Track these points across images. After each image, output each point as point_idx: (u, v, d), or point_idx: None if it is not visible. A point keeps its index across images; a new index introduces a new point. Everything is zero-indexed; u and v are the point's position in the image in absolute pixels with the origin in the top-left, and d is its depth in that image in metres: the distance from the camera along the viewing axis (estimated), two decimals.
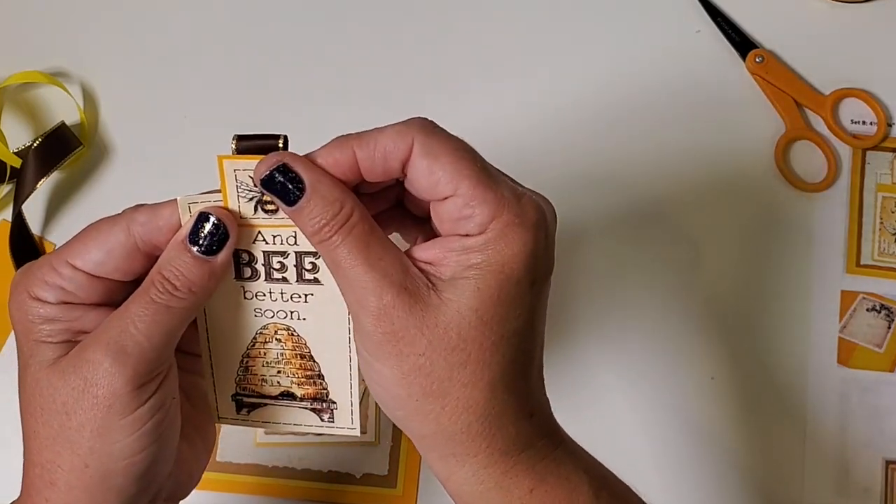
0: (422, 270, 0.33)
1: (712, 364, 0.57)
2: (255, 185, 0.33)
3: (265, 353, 0.38)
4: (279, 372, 0.38)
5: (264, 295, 0.36)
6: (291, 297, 0.36)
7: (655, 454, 0.56)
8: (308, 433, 0.39)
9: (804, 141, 0.60)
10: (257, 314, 0.37)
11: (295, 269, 0.35)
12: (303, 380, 0.38)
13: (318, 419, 0.39)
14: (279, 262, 0.35)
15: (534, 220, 0.32)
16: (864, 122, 0.60)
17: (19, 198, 0.58)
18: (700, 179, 0.60)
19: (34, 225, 0.59)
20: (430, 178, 0.32)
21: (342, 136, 0.33)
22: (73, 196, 0.60)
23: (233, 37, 0.63)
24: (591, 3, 0.63)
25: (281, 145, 0.34)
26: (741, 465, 0.56)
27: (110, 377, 0.33)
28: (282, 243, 0.35)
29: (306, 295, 0.36)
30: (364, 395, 0.54)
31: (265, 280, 0.36)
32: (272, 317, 0.37)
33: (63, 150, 0.59)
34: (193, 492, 0.56)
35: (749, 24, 0.62)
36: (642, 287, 0.58)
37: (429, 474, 0.56)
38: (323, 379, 0.38)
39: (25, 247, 0.58)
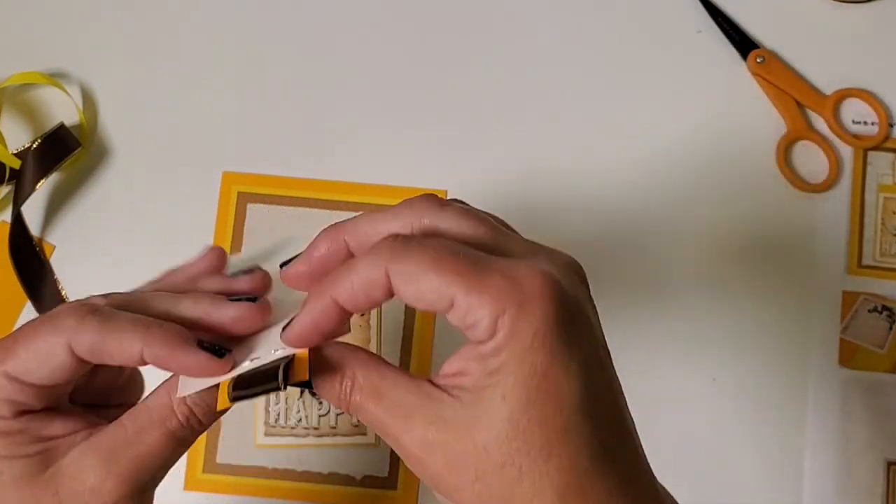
0: (446, 386, 0.30)
1: (714, 365, 0.57)
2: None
3: None
4: None
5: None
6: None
7: (656, 454, 0.56)
8: None
9: (805, 141, 0.60)
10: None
11: None
12: None
13: None
14: None
15: (541, 295, 0.29)
16: (865, 123, 0.60)
17: (18, 199, 0.58)
18: (701, 180, 0.60)
19: (33, 226, 0.59)
20: (420, 301, 0.30)
21: (316, 286, 0.31)
22: (72, 197, 0.60)
23: (233, 37, 0.63)
24: (591, 3, 0.63)
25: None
26: (742, 466, 0.55)
27: (109, 500, 0.32)
28: None
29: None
30: None
31: None
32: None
33: (62, 151, 0.59)
34: (194, 493, 0.56)
35: (750, 24, 0.62)
36: (642, 288, 0.58)
37: None
38: None
39: (25, 248, 0.58)
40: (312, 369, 0.31)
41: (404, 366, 0.57)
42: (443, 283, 0.29)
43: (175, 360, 0.32)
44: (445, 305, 0.29)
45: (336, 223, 0.32)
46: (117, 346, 0.32)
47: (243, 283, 0.37)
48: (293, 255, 0.34)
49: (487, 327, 0.29)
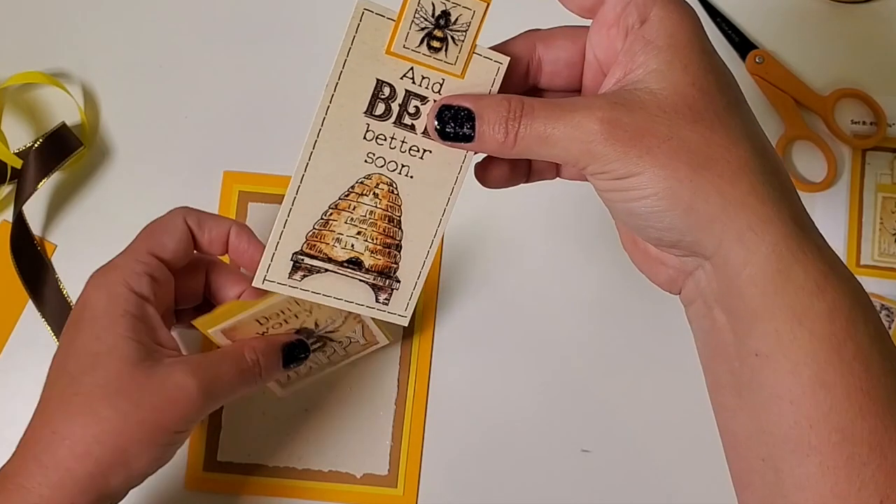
0: (617, 89, 0.33)
1: None
2: (433, 18, 0.33)
3: (354, 208, 0.35)
4: (359, 233, 0.36)
5: (385, 139, 0.34)
6: (409, 150, 0.35)
7: (657, 454, 0.56)
8: (357, 312, 0.37)
9: (804, 141, 0.60)
10: (368, 160, 0.35)
11: (426, 118, 0.34)
12: (379, 247, 0.36)
13: (374, 298, 0.37)
14: (416, 105, 0.34)
15: None
16: (863, 123, 0.60)
17: (20, 198, 0.58)
18: None
19: (35, 226, 0.59)
20: None
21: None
22: (73, 197, 0.60)
23: (232, 37, 0.63)
24: None
25: None
26: None
27: (192, 405, 0.41)
28: (427, 87, 0.34)
29: (424, 151, 0.35)
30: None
31: (394, 123, 0.34)
32: (382, 166, 0.35)
33: (64, 150, 0.59)
34: (192, 492, 0.56)
35: (749, 24, 0.62)
36: (641, 287, 0.58)
37: (429, 474, 0.56)
38: (399, 251, 0.36)
39: (26, 248, 0.58)
40: (477, 106, 0.33)
41: (405, 357, 0.57)
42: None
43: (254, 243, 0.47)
44: None
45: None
46: (215, 221, 0.46)
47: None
48: None
49: (643, 3, 0.32)
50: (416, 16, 0.33)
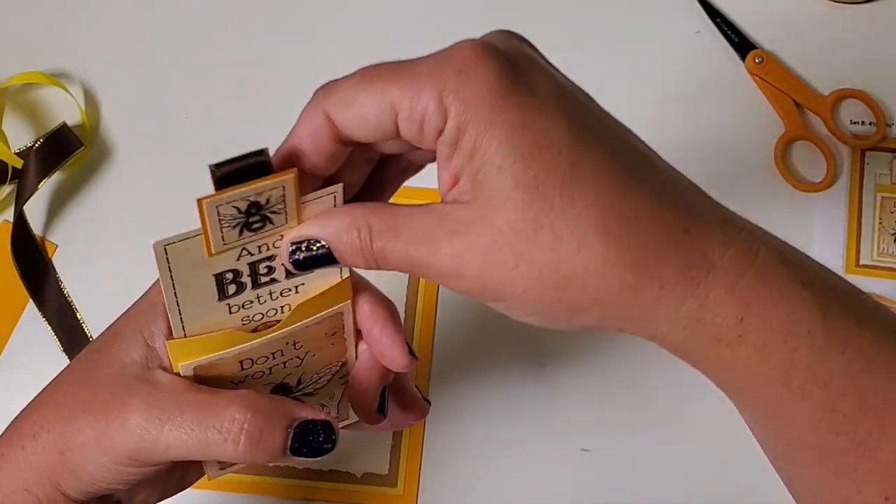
0: (452, 200, 0.29)
1: None
2: (242, 215, 0.30)
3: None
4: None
5: (252, 302, 0.33)
6: (281, 293, 0.34)
7: (656, 453, 0.56)
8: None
9: (803, 141, 0.60)
10: (245, 322, 0.34)
11: (283, 266, 0.33)
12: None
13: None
14: (266, 266, 0.33)
15: (474, 55, 0.28)
16: (863, 123, 0.60)
17: (21, 198, 0.58)
18: (699, 180, 0.60)
19: (35, 226, 0.59)
20: (364, 125, 0.29)
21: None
22: (74, 197, 0.60)
23: (233, 36, 0.63)
24: (591, 2, 0.63)
25: (268, 160, 0.31)
26: (743, 465, 0.56)
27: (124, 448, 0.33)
28: (268, 249, 0.32)
29: (298, 285, 0.34)
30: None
31: (252, 288, 0.33)
32: (261, 319, 0.34)
33: (64, 150, 0.59)
34: (193, 491, 0.56)
35: (748, 24, 0.62)
36: None
37: (429, 473, 0.56)
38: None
39: (27, 248, 0.58)
40: (328, 235, 0.31)
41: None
42: (377, 92, 0.29)
43: None
44: (390, 117, 0.29)
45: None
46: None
47: None
48: None
49: (437, 109, 0.28)
50: (223, 222, 0.30)
